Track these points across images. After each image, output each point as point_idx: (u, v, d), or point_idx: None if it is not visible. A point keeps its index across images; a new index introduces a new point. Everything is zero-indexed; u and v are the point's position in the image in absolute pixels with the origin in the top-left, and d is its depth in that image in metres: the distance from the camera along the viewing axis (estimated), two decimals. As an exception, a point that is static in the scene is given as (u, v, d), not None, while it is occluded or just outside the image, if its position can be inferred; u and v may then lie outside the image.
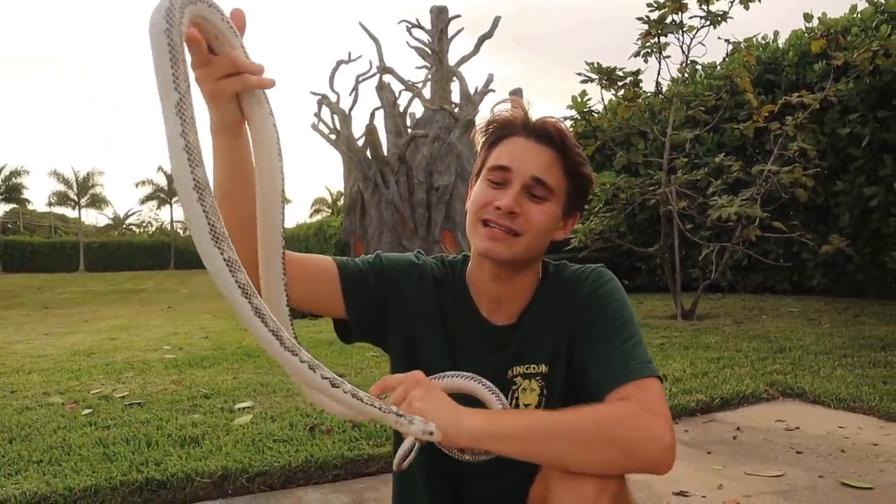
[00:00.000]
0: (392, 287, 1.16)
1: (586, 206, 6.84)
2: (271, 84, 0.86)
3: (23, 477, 2.16)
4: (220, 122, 0.88)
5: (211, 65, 0.82)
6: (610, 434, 0.91)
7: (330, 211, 45.08)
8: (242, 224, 0.93)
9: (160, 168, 44.72)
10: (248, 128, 0.90)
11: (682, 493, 2.04)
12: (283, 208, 0.92)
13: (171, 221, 46.32)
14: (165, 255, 38.89)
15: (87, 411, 3.09)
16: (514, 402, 1.14)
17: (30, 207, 51.05)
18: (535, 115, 1.11)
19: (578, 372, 1.09)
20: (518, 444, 0.94)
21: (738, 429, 2.71)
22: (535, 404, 1.13)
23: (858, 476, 2.12)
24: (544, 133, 1.08)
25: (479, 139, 1.15)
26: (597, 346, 1.05)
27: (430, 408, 0.94)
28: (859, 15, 7.02)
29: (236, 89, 0.85)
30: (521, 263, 1.11)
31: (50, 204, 42.52)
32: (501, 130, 1.11)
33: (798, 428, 2.69)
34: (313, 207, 50.46)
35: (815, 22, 7.42)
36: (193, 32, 0.77)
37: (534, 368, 1.13)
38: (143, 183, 44.46)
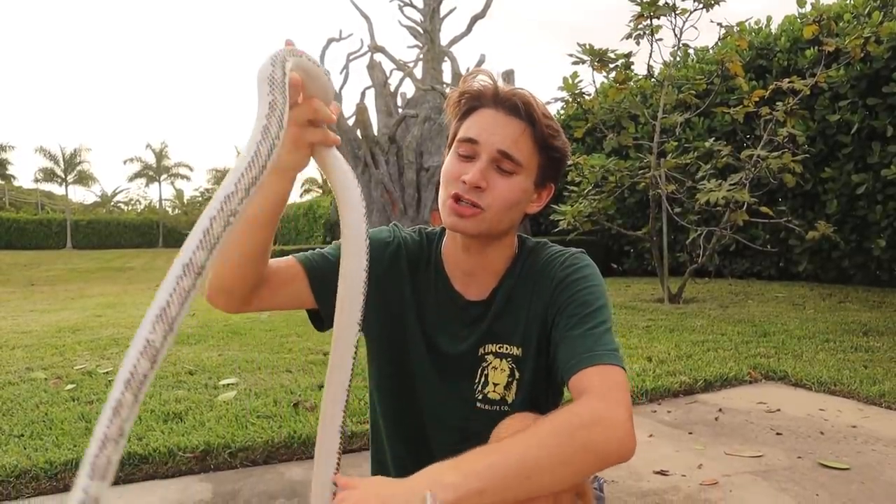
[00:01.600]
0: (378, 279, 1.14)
1: (575, 188, 6.87)
2: (336, 141, 0.92)
3: (3, 450, 2.15)
4: (288, 163, 0.90)
5: (299, 107, 0.85)
6: (582, 443, 0.85)
7: (320, 191, 44.87)
8: (253, 250, 0.97)
9: (148, 145, 44.41)
10: (327, 178, 0.94)
11: (662, 472, 2.06)
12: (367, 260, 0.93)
13: (160, 199, 45.93)
14: (154, 233, 38.64)
15: (70, 386, 3.07)
16: (483, 378, 1.14)
17: (16, 184, 50.43)
18: (507, 87, 1.09)
19: (550, 355, 1.09)
20: (499, 493, 0.83)
21: (720, 410, 2.74)
22: (503, 384, 1.13)
23: (836, 457, 2.15)
24: (512, 105, 1.06)
25: (451, 111, 1.13)
26: (566, 331, 1.04)
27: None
28: (852, 1, 7.00)
29: (317, 140, 0.89)
30: (490, 237, 1.11)
31: (36, 180, 41.99)
32: (472, 102, 1.10)
33: (779, 410, 2.72)
34: (303, 187, 50.18)
35: (808, 7, 7.40)
36: (295, 77, 0.80)
37: (506, 348, 1.13)
38: (132, 160, 44.04)
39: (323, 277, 1.10)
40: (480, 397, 1.14)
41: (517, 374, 1.13)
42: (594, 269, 1.12)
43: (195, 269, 0.52)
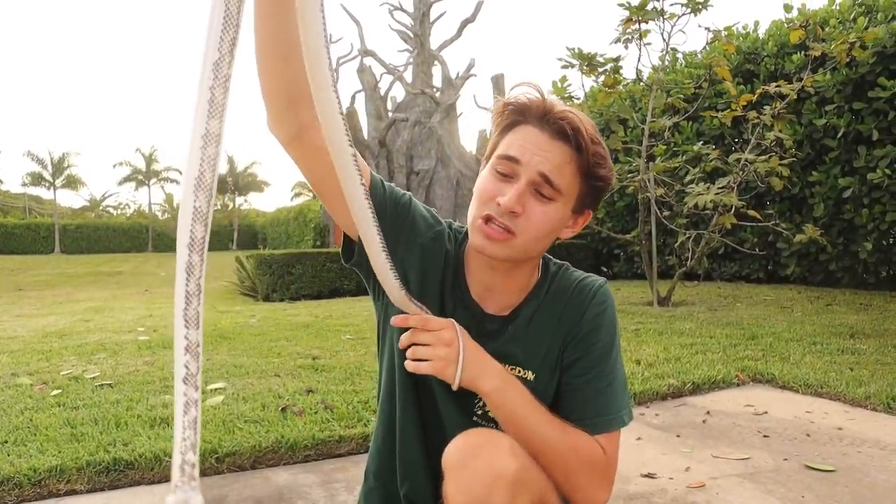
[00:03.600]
0: (409, 230, 1.10)
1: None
2: None
3: (-14, 457, 2.12)
4: None
5: None
6: (578, 462, 1.01)
7: (311, 195, 44.77)
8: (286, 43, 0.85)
9: (138, 149, 44.06)
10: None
11: (649, 475, 2.06)
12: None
13: (150, 204, 45.59)
14: (143, 237, 38.38)
15: (55, 392, 3.04)
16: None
17: (3, 188, 50.06)
18: (557, 106, 1.03)
19: (559, 388, 1.10)
20: (510, 421, 1.01)
21: (707, 413, 2.75)
22: None
23: (822, 459, 2.16)
24: (560, 129, 1.00)
25: (494, 122, 1.08)
26: (584, 381, 1.07)
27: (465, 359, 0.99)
28: (837, 7, 7.07)
29: None
30: (518, 262, 1.07)
31: (24, 184, 41.64)
32: (516, 116, 1.04)
33: (766, 412, 2.73)
34: (294, 191, 50.06)
35: (795, 13, 7.47)
36: None
37: (519, 371, 1.10)
38: (121, 164, 43.76)
39: (378, 201, 1.04)
40: (480, 413, 1.11)
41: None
42: (614, 309, 1.13)
43: (215, 138, 0.53)
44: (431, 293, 1.11)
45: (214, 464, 2.13)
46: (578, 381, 1.07)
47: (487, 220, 1.01)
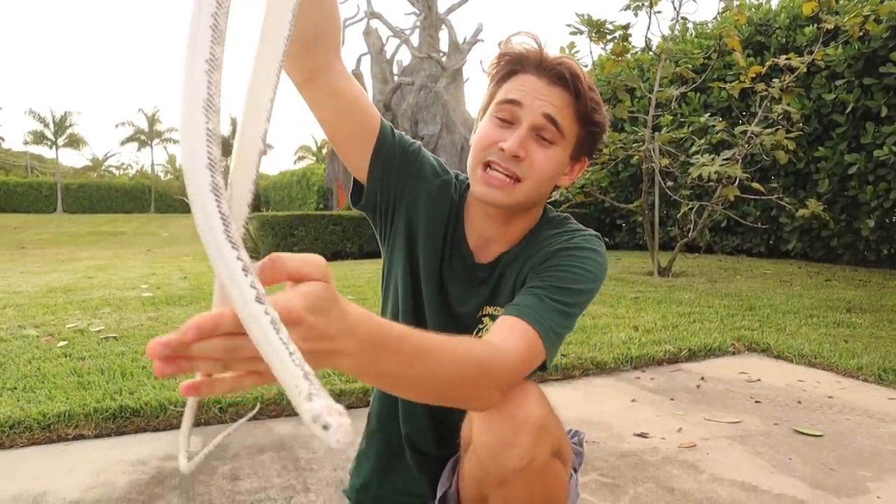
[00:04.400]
0: (416, 176, 1.11)
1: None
2: None
3: (-4, 401, 2.18)
4: None
5: None
6: (469, 383, 0.84)
7: (314, 158, 44.58)
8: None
9: (140, 109, 43.82)
10: None
11: (642, 435, 2.11)
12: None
13: (152, 164, 45.48)
14: (146, 198, 38.37)
15: (62, 344, 3.10)
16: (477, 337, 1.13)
17: (4, 146, 49.89)
18: (553, 54, 1.04)
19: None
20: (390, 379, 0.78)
21: (702, 378, 2.80)
22: None
23: (811, 425, 2.21)
24: (558, 73, 1.02)
25: (490, 73, 1.08)
26: (530, 286, 1.00)
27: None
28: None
29: None
30: (520, 209, 1.08)
31: (26, 143, 41.50)
32: (513, 65, 1.05)
33: (759, 380, 2.78)
34: (297, 155, 49.86)
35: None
36: None
37: (500, 311, 1.11)
38: (124, 124, 43.52)
39: (388, 148, 1.06)
40: None
41: None
42: (598, 256, 1.06)
43: (219, 64, 0.52)
44: (434, 238, 1.13)
45: (218, 413, 2.18)
46: (527, 287, 1.00)
47: (487, 166, 1.02)
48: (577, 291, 1.00)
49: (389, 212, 1.13)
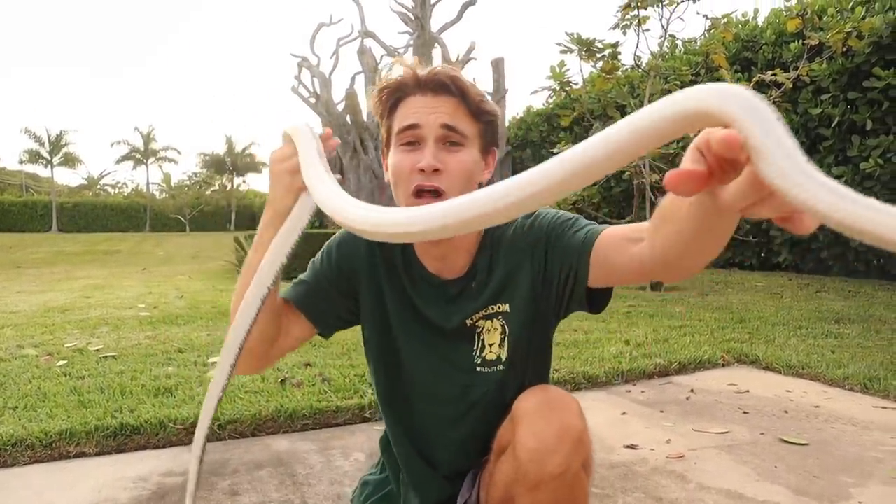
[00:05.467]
0: (351, 277, 1.20)
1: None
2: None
3: (-2, 421, 2.22)
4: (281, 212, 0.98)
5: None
6: None
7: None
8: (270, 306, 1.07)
9: (136, 128, 43.82)
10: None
11: (631, 446, 2.16)
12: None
13: (147, 183, 45.51)
14: (141, 216, 38.37)
15: (61, 363, 3.14)
16: (480, 342, 1.17)
17: (0, 165, 49.84)
18: (426, 69, 1.09)
19: (550, 282, 1.12)
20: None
21: (691, 390, 2.85)
22: (497, 342, 1.16)
23: (797, 433, 2.26)
24: (439, 84, 1.07)
25: (377, 111, 1.13)
26: (560, 239, 1.10)
27: None
28: None
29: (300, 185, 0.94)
30: None
31: (21, 162, 41.49)
32: (396, 94, 1.10)
33: (748, 391, 2.84)
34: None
35: (794, 1, 7.50)
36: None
37: (493, 309, 1.16)
38: (119, 143, 43.59)
39: (319, 310, 1.20)
40: (479, 361, 1.18)
41: (507, 330, 1.16)
42: (551, 211, 1.18)
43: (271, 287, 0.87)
44: (393, 277, 1.20)
45: (217, 431, 2.22)
46: (557, 242, 1.10)
47: (418, 193, 1.06)
48: (576, 217, 1.13)
49: (354, 313, 1.24)
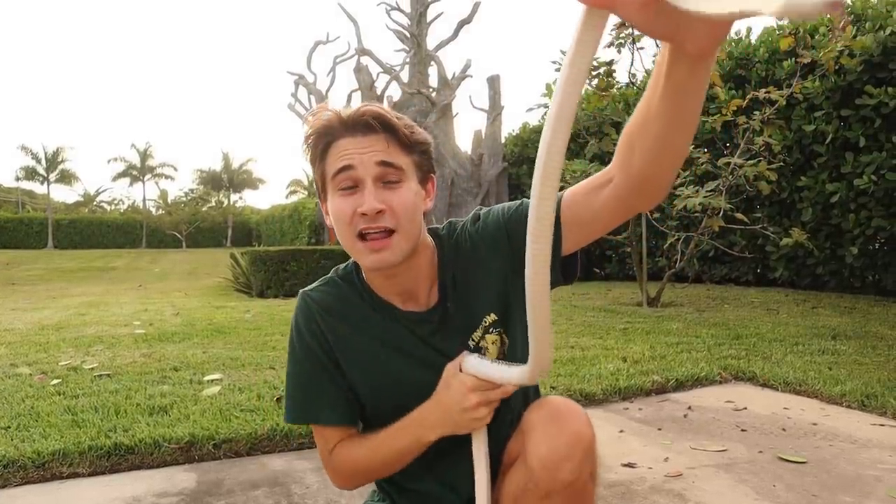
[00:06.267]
0: (333, 348, 1.15)
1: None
2: None
3: (-9, 441, 2.20)
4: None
5: None
6: None
7: (306, 193, 44.78)
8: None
9: (132, 145, 43.91)
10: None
11: (629, 465, 2.15)
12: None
13: (144, 199, 45.48)
14: (137, 233, 38.27)
15: (55, 382, 3.12)
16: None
17: (-4, 181, 49.78)
18: (349, 109, 1.07)
19: (521, 270, 1.09)
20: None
21: (689, 408, 2.84)
22: (496, 354, 1.14)
23: (795, 451, 2.26)
24: (365, 124, 1.05)
25: (308, 157, 1.10)
26: (519, 228, 1.06)
27: None
28: (828, 15, 7.18)
29: None
30: (411, 253, 1.09)
31: (17, 179, 41.47)
32: (324, 139, 1.07)
33: (745, 408, 2.83)
34: (289, 189, 50.09)
35: (786, 20, 7.58)
36: None
37: (486, 321, 1.13)
38: (116, 160, 43.61)
39: (353, 412, 1.16)
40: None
41: (505, 339, 1.14)
42: (488, 209, 1.17)
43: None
44: (369, 326, 1.15)
45: (212, 450, 2.20)
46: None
47: (363, 236, 1.04)
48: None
49: (345, 377, 1.17)
